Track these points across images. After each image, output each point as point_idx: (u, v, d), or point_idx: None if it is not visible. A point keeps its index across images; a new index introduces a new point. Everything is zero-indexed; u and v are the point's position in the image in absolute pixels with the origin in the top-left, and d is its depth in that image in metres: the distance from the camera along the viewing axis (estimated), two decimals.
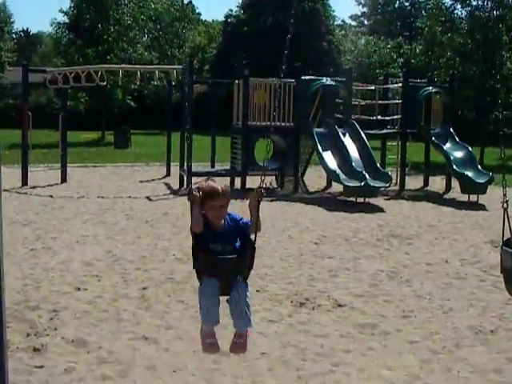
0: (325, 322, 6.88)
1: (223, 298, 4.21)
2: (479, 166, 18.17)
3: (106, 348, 5.91)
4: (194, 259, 4.34)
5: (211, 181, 4.38)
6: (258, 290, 7.92)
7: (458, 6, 31.07)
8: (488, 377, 5.52)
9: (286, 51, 4.53)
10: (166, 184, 19.19)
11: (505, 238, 4.25)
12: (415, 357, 5.93)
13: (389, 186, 16.98)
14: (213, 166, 21.60)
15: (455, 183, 18.27)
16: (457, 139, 18.87)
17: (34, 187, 17.45)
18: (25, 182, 17.91)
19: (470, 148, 18.54)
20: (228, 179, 18.67)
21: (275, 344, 6.16)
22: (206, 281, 4.27)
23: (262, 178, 4.28)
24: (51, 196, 15.86)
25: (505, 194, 4.24)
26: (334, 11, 62.50)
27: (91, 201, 15.31)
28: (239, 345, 4.23)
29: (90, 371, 5.42)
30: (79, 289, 7.84)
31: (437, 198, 17.61)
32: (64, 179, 18.87)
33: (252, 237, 4.41)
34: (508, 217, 4.17)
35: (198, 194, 4.24)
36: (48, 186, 17.95)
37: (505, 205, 4.17)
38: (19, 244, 10.25)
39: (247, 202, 4.40)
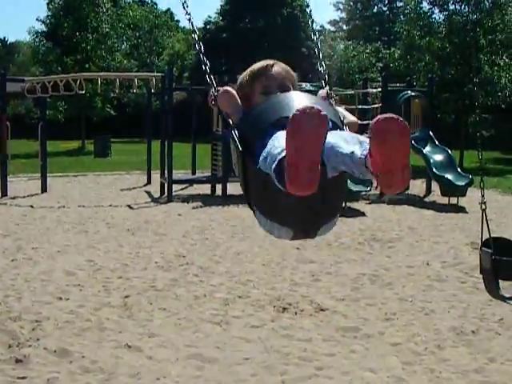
0: (307, 326, 6.90)
1: None
2: (459, 169, 18.23)
3: (89, 357, 5.89)
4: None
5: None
6: (240, 296, 7.94)
7: (436, 11, 31.29)
8: (470, 377, 5.56)
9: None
10: (147, 192, 19.14)
11: (483, 239, 4.28)
12: (398, 359, 5.96)
13: (370, 190, 17.03)
14: (194, 173, 21.63)
15: (435, 186, 18.36)
16: (436, 142, 18.96)
17: (13, 198, 17.34)
18: (4, 192, 17.79)
19: (449, 151, 18.63)
20: (209, 186, 18.72)
21: (258, 349, 6.17)
22: None
23: None
24: (31, 206, 15.78)
25: (483, 196, 4.27)
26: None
27: (72, 210, 15.25)
28: None
29: (74, 381, 5.41)
30: (61, 298, 7.81)
31: (417, 202, 17.71)
32: (44, 189, 18.77)
33: None
34: (486, 218, 4.20)
35: (228, 89, 3.10)
36: (28, 196, 17.86)
37: (483, 206, 4.21)
38: (0, 255, 10.21)
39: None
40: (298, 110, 2.35)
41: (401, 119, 2.28)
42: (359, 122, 3.26)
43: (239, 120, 2.93)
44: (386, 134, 2.25)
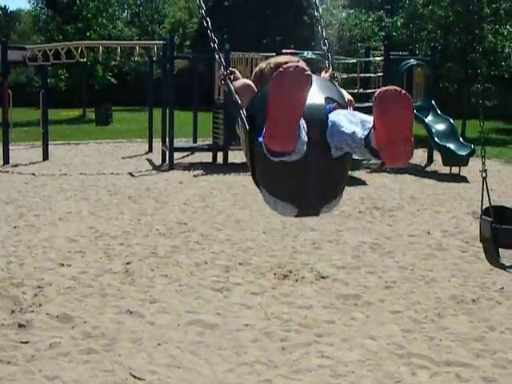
0: (308, 293, 6.94)
1: None
2: (461, 139, 18.19)
3: (90, 323, 5.94)
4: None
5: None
6: (240, 263, 7.97)
7: None
8: (470, 345, 5.59)
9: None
10: (149, 160, 19.13)
11: (484, 208, 4.29)
12: (398, 326, 6.00)
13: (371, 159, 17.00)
14: (195, 142, 21.60)
15: (437, 156, 18.34)
16: (438, 112, 18.88)
17: (15, 165, 17.34)
18: (6, 160, 17.78)
19: (451, 120, 18.56)
20: (210, 154, 18.70)
21: (259, 316, 6.21)
22: None
23: None
24: (33, 174, 15.78)
25: (484, 163, 4.28)
26: None
27: (74, 178, 15.26)
28: None
29: (75, 346, 5.45)
30: (63, 265, 7.85)
31: (419, 171, 17.69)
32: (46, 157, 18.76)
33: None
34: (487, 186, 4.21)
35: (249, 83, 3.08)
36: (30, 163, 17.85)
37: (483, 174, 4.21)
38: (2, 222, 10.23)
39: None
40: (283, 67, 2.40)
41: (404, 92, 2.38)
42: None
43: (249, 102, 2.91)
44: (389, 104, 2.35)
